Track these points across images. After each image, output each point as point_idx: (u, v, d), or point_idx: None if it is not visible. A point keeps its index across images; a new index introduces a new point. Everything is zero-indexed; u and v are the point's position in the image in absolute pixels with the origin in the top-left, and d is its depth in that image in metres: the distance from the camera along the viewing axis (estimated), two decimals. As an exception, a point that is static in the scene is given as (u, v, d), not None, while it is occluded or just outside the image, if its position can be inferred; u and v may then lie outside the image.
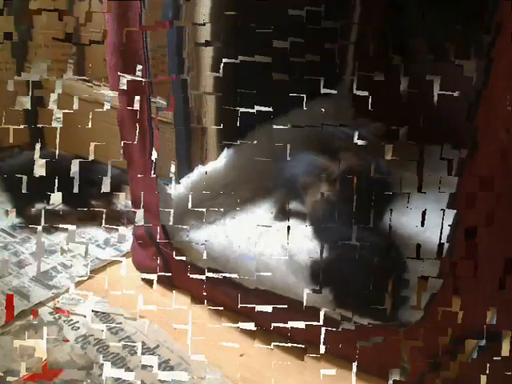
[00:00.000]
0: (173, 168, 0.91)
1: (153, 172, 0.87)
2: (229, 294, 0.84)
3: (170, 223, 0.94)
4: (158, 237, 0.91)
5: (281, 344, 0.79)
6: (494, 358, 0.61)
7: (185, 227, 1.00)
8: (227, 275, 0.83)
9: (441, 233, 0.65)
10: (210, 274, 0.83)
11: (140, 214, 0.91)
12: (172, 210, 0.97)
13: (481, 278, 0.60)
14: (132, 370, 0.72)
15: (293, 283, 0.83)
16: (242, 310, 0.83)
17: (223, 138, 1.18)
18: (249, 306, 0.80)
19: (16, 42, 1.53)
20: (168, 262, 0.91)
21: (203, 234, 1.00)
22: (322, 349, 0.70)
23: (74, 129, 1.50)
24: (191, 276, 0.88)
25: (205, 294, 0.87)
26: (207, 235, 1.00)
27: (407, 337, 0.66)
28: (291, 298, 0.79)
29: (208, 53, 1.07)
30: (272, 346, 0.79)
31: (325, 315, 0.72)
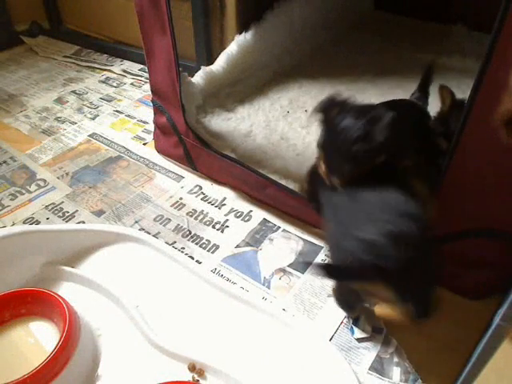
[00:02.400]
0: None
1: (174, 62, 0.86)
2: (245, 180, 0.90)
3: (191, 112, 0.96)
4: (179, 126, 0.94)
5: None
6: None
7: (205, 116, 1.03)
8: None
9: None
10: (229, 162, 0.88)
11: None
12: (193, 99, 0.99)
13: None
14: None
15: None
16: (255, 196, 0.90)
17: (242, 19, 1.13)
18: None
19: None
20: (189, 150, 0.96)
21: (224, 123, 1.03)
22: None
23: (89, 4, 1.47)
24: (211, 163, 0.94)
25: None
26: (227, 123, 1.03)
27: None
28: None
29: None
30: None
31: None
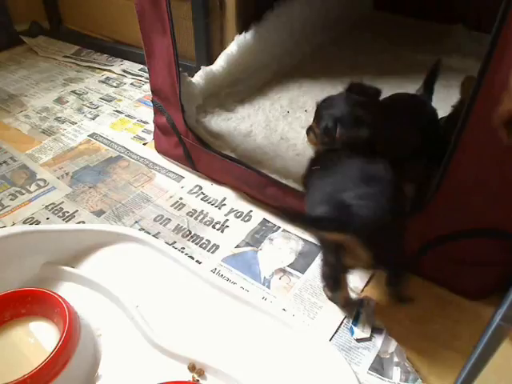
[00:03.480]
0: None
1: (174, 62, 0.86)
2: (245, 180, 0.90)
3: (191, 112, 0.96)
4: (179, 127, 0.93)
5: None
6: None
7: (205, 116, 1.03)
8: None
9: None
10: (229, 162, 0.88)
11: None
12: (193, 99, 0.99)
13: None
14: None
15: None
16: (255, 196, 0.90)
17: (242, 19, 1.13)
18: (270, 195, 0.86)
19: None
20: (189, 150, 0.96)
21: (224, 123, 1.03)
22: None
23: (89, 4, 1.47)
24: (211, 163, 0.94)
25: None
26: (227, 123, 1.03)
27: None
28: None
29: None
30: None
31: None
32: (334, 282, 0.70)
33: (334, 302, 0.72)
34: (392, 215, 0.59)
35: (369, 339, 0.67)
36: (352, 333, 0.67)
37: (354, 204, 0.58)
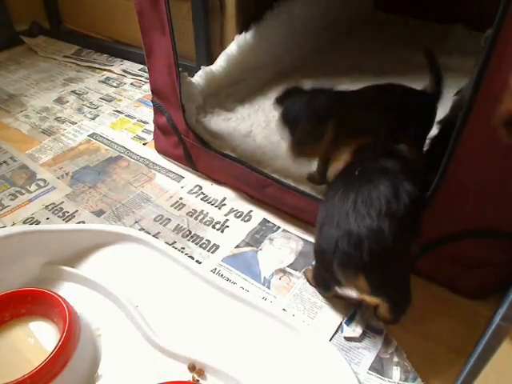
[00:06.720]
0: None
1: (174, 62, 0.86)
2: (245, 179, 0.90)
3: (191, 112, 0.96)
4: (179, 126, 0.93)
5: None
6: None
7: (205, 116, 1.03)
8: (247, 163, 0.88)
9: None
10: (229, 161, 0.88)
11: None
12: (193, 99, 0.99)
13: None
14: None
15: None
16: (256, 196, 0.90)
17: (242, 19, 1.13)
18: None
19: None
20: (189, 150, 0.96)
21: (224, 123, 1.03)
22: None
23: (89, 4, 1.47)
24: (211, 163, 0.94)
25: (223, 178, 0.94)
26: (227, 123, 1.03)
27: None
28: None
29: None
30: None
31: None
32: (324, 287, 0.71)
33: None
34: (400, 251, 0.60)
35: (358, 339, 0.66)
36: (342, 330, 0.67)
37: (367, 238, 0.57)
